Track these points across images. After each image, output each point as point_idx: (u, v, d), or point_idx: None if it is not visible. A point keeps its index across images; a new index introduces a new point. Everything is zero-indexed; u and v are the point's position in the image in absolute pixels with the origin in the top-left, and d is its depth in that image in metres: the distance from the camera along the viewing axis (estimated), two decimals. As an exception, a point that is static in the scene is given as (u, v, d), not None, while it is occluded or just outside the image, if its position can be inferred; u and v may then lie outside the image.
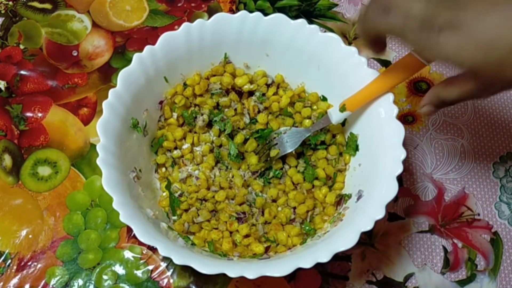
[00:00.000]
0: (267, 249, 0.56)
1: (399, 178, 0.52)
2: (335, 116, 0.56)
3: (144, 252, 0.59)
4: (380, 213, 0.48)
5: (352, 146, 0.58)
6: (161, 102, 0.60)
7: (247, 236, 0.56)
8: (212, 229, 0.57)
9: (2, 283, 0.58)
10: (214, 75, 0.61)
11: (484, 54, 0.37)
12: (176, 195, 0.58)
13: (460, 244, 0.61)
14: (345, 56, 0.56)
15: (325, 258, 0.46)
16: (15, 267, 0.59)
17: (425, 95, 0.48)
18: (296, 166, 0.60)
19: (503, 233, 0.62)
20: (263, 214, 0.58)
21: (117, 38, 0.73)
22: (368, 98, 0.53)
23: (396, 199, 0.61)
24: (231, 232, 0.56)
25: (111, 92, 0.53)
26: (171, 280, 0.58)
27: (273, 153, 0.58)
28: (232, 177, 0.59)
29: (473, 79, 0.42)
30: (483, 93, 0.44)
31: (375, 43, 0.47)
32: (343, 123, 0.60)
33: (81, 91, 0.69)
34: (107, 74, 0.70)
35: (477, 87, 0.43)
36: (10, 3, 0.75)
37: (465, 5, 0.38)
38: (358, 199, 0.53)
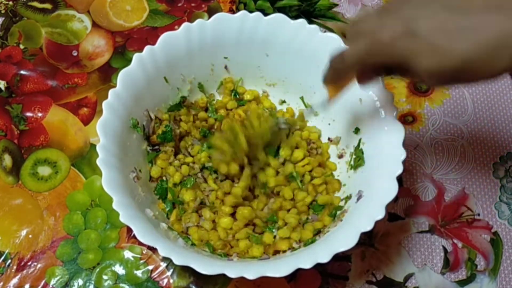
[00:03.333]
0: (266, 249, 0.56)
1: (399, 178, 0.51)
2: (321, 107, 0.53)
3: (144, 252, 0.59)
4: (380, 214, 0.48)
5: (359, 154, 0.58)
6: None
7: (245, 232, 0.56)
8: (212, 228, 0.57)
9: (2, 283, 0.58)
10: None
11: (438, 61, 0.36)
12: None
13: (460, 244, 0.61)
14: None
15: (325, 258, 0.46)
16: (15, 267, 0.59)
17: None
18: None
19: (503, 233, 0.62)
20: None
21: (117, 38, 0.72)
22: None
23: (396, 199, 0.61)
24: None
25: (111, 92, 0.53)
26: (171, 280, 0.58)
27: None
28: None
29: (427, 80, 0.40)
30: (435, 83, 0.41)
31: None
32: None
33: (81, 91, 0.69)
34: (107, 74, 0.70)
35: (429, 83, 0.42)
36: (10, 3, 0.75)
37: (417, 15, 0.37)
38: (358, 199, 0.53)
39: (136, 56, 0.55)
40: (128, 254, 0.59)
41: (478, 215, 0.63)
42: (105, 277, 0.58)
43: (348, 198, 0.56)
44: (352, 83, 0.48)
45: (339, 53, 0.44)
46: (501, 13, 0.34)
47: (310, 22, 0.66)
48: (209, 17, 0.58)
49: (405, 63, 0.38)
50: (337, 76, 0.46)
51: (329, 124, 0.62)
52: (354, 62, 0.42)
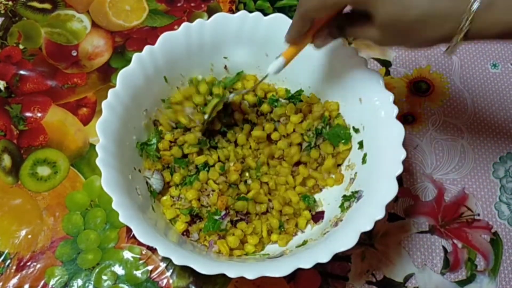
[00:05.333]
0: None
1: (399, 178, 0.52)
2: (271, 66, 0.52)
3: (143, 252, 0.59)
4: (380, 214, 0.48)
5: (342, 136, 0.59)
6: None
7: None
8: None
9: (1, 283, 0.58)
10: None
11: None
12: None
13: (460, 245, 0.61)
14: (345, 56, 0.56)
15: (325, 258, 0.46)
16: (14, 267, 0.59)
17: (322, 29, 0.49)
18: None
19: (503, 233, 0.62)
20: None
21: (117, 38, 0.72)
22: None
23: (396, 199, 0.61)
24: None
25: (110, 92, 0.53)
26: (171, 281, 0.58)
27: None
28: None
29: (382, 29, 0.44)
30: (383, 41, 0.45)
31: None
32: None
33: (81, 91, 0.69)
34: (106, 74, 0.70)
35: (382, 35, 0.45)
36: (10, 3, 0.75)
37: None
38: (358, 199, 0.53)
39: (135, 56, 0.55)
40: (127, 255, 0.59)
41: (478, 215, 0.63)
42: (104, 277, 0.58)
43: (348, 197, 0.56)
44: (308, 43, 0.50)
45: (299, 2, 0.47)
46: None
47: (310, 22, 0.66)
48: (209, 17, 0.58)
49: (365, 7, 0.43)
50: (300, 29, 0.49)
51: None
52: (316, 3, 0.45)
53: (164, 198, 0.58)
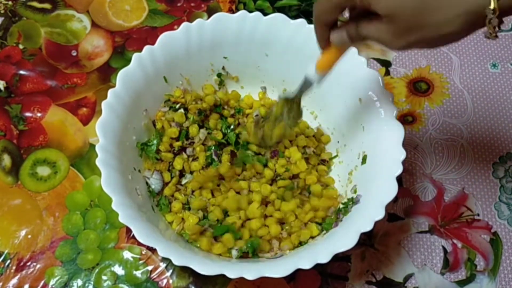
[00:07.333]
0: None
1: (399, 179, 0.52)
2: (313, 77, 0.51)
3: (143, 252, 0.59)
4: (380, 214, 0.48)
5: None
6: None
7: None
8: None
9: (1, 283, 0.58)
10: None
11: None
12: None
13: (459, 245, 0.61)
14: (345, 56, 0.56)
15: (324, 258, 0.46)
16: (14, 267, 0.59)
17: (342, 26, 0.48)
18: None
19: (503, 234, 0.62)
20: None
21: (117, 38, 0.72)
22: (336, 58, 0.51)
23: (395, 199, 0.61)
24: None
25: (110, 92, 0.53)
26: (171, 281, 0.58)
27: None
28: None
29: (389, 23, 0.42)
30: (396, 40, 0.43)
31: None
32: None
33: (80, 91, 0.69)
34: (106, 74, 0.70)
35: (392, 31, 0.42)
36: (10, 3, 0.75)
37: None
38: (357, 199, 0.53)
39: (135, 56, 0.55)
40: (127, 255, 0.59)
41: (478, 215, 0.63)
42: (104, 277, 0.58)
43: (349, 200, 0.56)
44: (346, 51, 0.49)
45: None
46: None
47: (310, 22, 0.66)
48: (209, 17, 0.58)
49: (368, 3, 0.42)
50: (322, 34, 0.47)
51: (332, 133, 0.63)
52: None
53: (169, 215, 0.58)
